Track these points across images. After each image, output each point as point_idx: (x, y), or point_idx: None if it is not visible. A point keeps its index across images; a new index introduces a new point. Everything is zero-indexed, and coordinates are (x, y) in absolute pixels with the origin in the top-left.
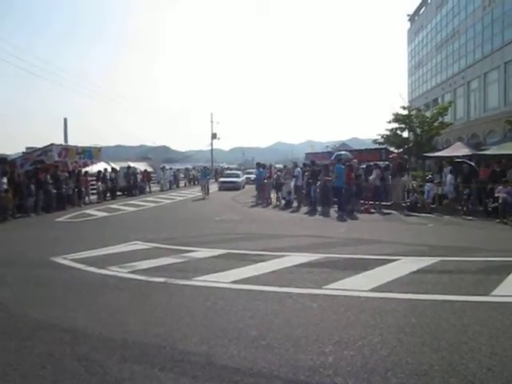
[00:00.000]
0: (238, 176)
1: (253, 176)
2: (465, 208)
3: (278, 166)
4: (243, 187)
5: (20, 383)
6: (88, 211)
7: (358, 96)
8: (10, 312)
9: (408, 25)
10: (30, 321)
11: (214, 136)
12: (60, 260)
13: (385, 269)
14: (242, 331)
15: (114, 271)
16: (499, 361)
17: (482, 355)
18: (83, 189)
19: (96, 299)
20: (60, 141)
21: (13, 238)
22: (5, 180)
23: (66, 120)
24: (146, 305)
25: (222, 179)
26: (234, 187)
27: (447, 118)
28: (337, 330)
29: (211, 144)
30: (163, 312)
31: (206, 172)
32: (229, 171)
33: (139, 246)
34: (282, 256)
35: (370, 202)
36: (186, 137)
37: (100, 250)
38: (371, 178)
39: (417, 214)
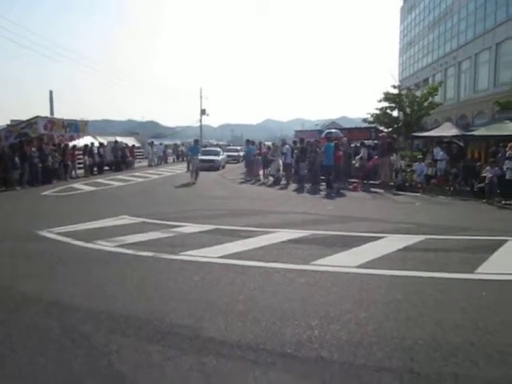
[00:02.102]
0: (217, 154)
1: (235, 154)
2: (452, 188)
3: (267, 143)
4: (223, 167)
5: (8, 353)
6: (75, 185)
7: (348, 74)
8: None
9: (401, 2)
10: (16, 294)
11: (203, 112)
12: (46, 233)
13: (372, 246)
14: (229, 305)
15: (101, 245)
16: (482, 336)
17: (466, 330)
18: (70, 163)
19: (83, 273)
20: (46, 114)
21: None
22: None
23: (51, 92)
24: (134, 279)
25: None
26: (212, 167)
27: (437, 98)
28: (323, 305)
29: (200, 120)
30: (151, 286)
31: (196, 148)
32: (207, 148)
33: (127, 220)
34: (270, 232)
35: (358, 181)
36: (175, 112)
37: (87, 224)
38: (357, 157)
39: (405, 193)
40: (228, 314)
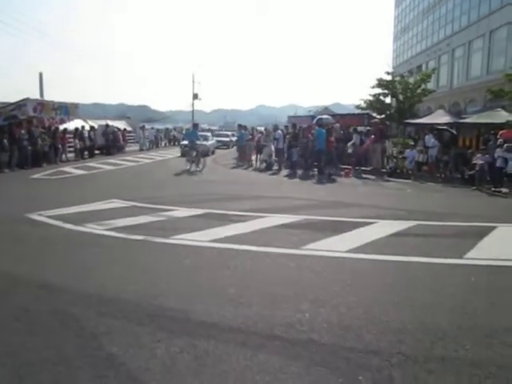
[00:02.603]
0: (205, 138)
1: (225, 139)
2: (443, 175)
3: (259, 128)
4: (212, 153)
5: None
6: (65, 169)
7: (341, 61)
8: None
9: None
10: (4, 276)
11: (195, 96)
12: (35, 216)
13: (362, 231)
14: (220, 289)
15: (91, 228)
16: (469, 319)
17: (454, 314)
18: (60, 146)
19: (73, 256)
20: (36, 96)
21: None
22: None
23: (41, 74)
24: (124, 262)
25: (184, 142)
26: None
27: (430, 86)
28: (313, 289)
29: (192, 105)
30: (141, 269)
31: (194, 132)
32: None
33: (117, 204)
34: (262, 217)
35: (350, 167)
36: (167, 97)
37: (77, 207)
38: (349, 143)
39: (396, 180)
40: (218, 298)
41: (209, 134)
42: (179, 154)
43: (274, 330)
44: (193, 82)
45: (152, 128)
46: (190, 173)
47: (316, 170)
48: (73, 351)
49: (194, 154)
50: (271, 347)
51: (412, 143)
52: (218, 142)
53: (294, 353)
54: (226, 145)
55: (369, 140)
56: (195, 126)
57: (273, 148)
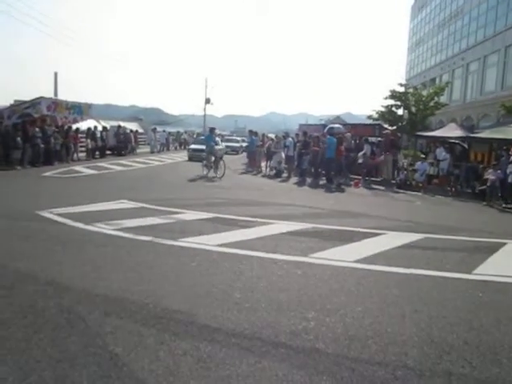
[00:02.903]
0: (215, 143)
1: (235, 144)
2: (453, 189)
3: (270, 135)
4: (221, 158)
5: (2, 330)
6: (76, 168)
7: (354, 71)
8: None
9: (412, 0)
10: (12, 272)
11: (207, 101)
12: (45, 214)
13: (370, 242)
14: (225, 293)
15: (99, 228)
16: (476, 335)
17: (460, 329)
18: (72, 145)
19: (80, 254)
20: (50, 95)
21: None
22: None
23: (56, 74)
24: (131, 262)
25: (193, 146)
26: None
27: (443, 99)
28: (320, 297)
29: (204, 109)
30: (148, 270)
31: (211, 137)
32: (202, 137)
33: (126, 204)
34: (270, 223)
35: (359, 177)
36: (179, 100)
37: (86, 206)
38: (360, 153)
39: (405, 192)
40: (224, 302)
41: (218, 138)
42: (187, 158)
43: (279, 336)
44: (205, 86)
45: (163, 131)
46: (207, 179)
47: (325, 178)
48: (77, 349)
49: (213, 159)
50: (275, 354)
51: (423, 156)
52: (227, 147)
53: (298, 361)
54: (235, 150)
55: (380, 152)
56: (212, 130)
57: (283, 155)
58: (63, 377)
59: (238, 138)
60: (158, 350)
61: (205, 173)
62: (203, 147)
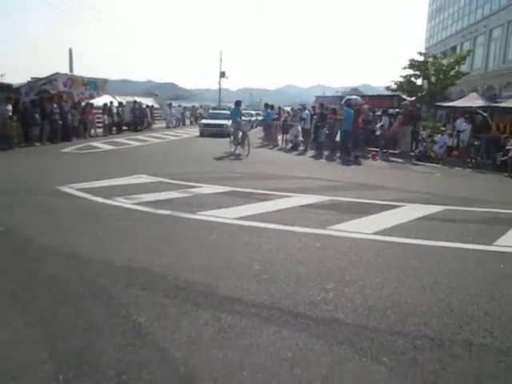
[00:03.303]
0: (227, 118)
1: (248, 119)
2: (473, 160)
3: (286, 108)
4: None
5: (29, 301)
6: (93, 144)
7: (372, 41)
8: (18, 236)
9: None
10: (36, 245)
11: (222, 74)
12: (66, 189)
13: (389, 214)
14: (244, 265)
15: (119, 202)
16: (497, 306)
17: (481, 300)
18: (89, 120)
19: (101, 228)
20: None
21: (18, 166)
22: (10, 107)
23: (71, 50)
24: (151, 235)
25: (204, 121)
26: (221, 132)
27: (464, 68)
28: (338, 269)
29: (219, 83)
30: (168, 243)
31: (236, 110)
32: (214, 111)
33: (144, 179)
34: (287, 196)
35: (377, 149)
36: (194, 75)
37: (105, 181)
38: (378, 125)
39: (424, 164)
40: (243, 274)
41: (228, 112)
42: (198, 134)
43: (298, 307)
44: (220, 59)
45: (179, 106)
46: (236, 156)
47: (342, 151)
48: (102, 319)
49: (240, 134)
50: (295, 324)
51: (443, 128)
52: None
53: (318, 331)
54: (248, 125)
55: (398, 121)
56: (238, 103)
57: (299, 128)
58: (89, 345)
59: (252, 112)
60: (180, 320)
61: (232, 149)
62: (215, 122)
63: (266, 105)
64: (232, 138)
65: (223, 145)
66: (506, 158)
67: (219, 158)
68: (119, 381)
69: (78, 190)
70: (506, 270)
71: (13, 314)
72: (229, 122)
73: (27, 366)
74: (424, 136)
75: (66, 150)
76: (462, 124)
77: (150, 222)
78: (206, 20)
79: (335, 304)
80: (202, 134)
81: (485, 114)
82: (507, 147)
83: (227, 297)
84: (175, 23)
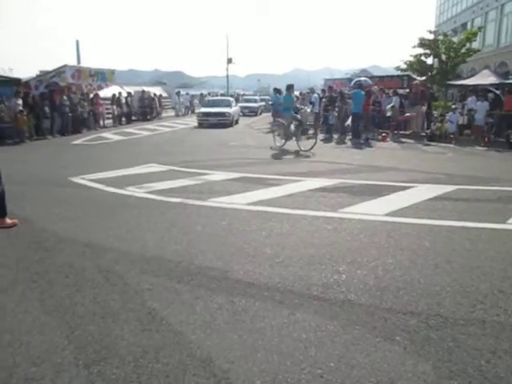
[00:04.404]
0: (228, 104)
1: (252, 105)
2: (486, 139)
3: (295, 92)
4: (236, 122)
5: (47, 289)
6: (103, 135)
7: (380, 21)
8: (33, 226)
9: None
10: (51, 235)
11: (229, 61)
12: (78, 180)
13: (400, 195)
14: (257, 249)
15: (131, 191)
16: (511, 284)
17: (494, 278)
18: (99, 111)
19: (115, 217)
20: (73, 63)
21: (31, 159)
22: (20, 101)
23: (78, 42)
24: (164, 223)
25: (202, 109)
26: (223, 122)
27: (475, 45)
28: (350, 251)
29: (227, 69)
30: (180, 230)
31: (288, 97)
32: (214, 97)
33: (155, 168)
34: (298, 181)
35: (387, 131)
36: (202, 63)
37: (117, 171)
38: (388, 106)
39: (436, 144)
40: (256, 258)
41: (231, 98)
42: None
43: (311, 289)
44: (227, 45)
45: (187, 94)
46: (296, 154)
47: (352, 133)
48: (118, 306)
49: (293, 126)
50: (308, 306)
51: (454, 106)
52: (244, 108)
53: (331, 312)
54: (253, 111)
55: (409, 104)
56: (290, 87)
57: (308, 111)
58: (107, 331)
59: (256, 97)
60: (194, 305)
61: (278, 144)
62: (216, 110)
63: (276, 89)
64: (281, 131)
65: (232, 132)
66: None
67: (228, 145)
68: (137, 364)
69: (91, 180)
70: None
71: (32, 302)
72: (231, 110)
73: (47, 352)
74: (436, 115)
75: (76, 141)
76: (473, 102)
77: (162, 210)
78: (211, 6)
79: (348, 285)
80: (200, 125)
81: (497, 92)
82: None
83: (240, 281)
84: (181, 11)
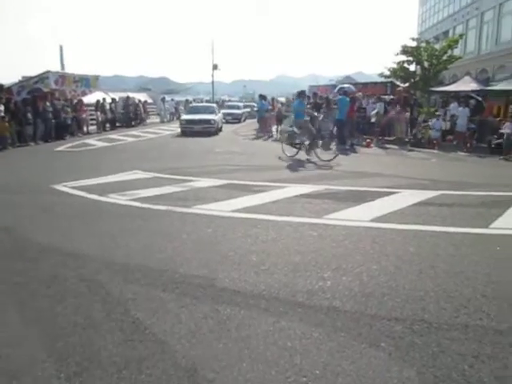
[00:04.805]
0: (212, 111)
1: (236, 111)
2: (468, 144)
3: (280, 99)
4: (220, 129)
5: (29, 300)
6: (87, 141)
7: (364, 29)
8: (14, 236)
9: None
10: (33, 244)
11: (214, 67)
12: (61, 187)
13: (385, 200)
14: (242, 257)
15: (114, 199)
16: (494, 288)
17: (478, 283)
18: (82, 118)
19: (98, 225)
20: (57, 69)
21: (12, 166)
22: (1, 107)
23: (61, 47)
24: (148, 231)
25: (185, 117)
26: (208, 130)
27: (456, 52)
28: (335, 258)
29: (212, 75)
30: (165, 238)
31: (301, 104)
32: (197, 103)
33: (140, 175)
34: (283, 187)
35: (372, 137)
36: (187, 69)
37: (100, 178)
38: (373, 112)
39: (420, 150)
40: (241, 265)
41: (214, 105)
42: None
43: (296, 296)
44: (212, 50)
45: (172, 100)
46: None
47: (338, 140)
48: (101, 316)
49: (306, 136)
50: (293, 314)
51: (438, 113)
52: (227, 115)
53: (316, 319)
54: (236, 118)
55: (393, 108)
56: (301, 94)
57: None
58: (89, 342)
59: (239, 104)
60: (179, 314)
61: (288, 154)
62: (200, 117)
63: (261, 96)
64: (294, 140)
65: (218, 139)
66: (500, 140)
67: (214, 152)
68: (120, 376)
69: (73, 187)
70: (503, 253)
71: (12, 314)
72: (216, 117)
73: (28, 364)
74: (419, 121)
75: (60, 148)
76: (455, 108)
77: (146, 217)
78: (196, 12)
79: (333, 292)
80: (184, 133)
81: (479, 98)
82: (501, 130)
83: (225, 289)
84: (166, 17)
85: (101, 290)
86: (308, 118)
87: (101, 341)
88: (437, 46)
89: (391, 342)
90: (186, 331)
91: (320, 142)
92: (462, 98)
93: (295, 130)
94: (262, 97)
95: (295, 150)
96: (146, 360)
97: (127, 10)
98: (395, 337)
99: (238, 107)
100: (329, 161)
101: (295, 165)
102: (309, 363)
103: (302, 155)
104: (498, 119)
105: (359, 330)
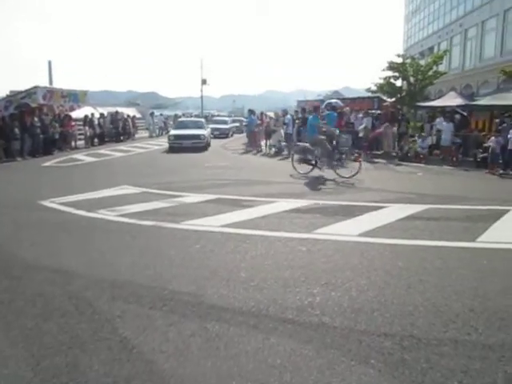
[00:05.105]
0: (201, 126)
1: (223, 126)
2: (454, 158)
3: (269, 113)
4: (209, 144)
5: (13, 319)
6: (76, 156)
7: (351, 45)
8: (0, 253)
9: None
10: (20, 262)
11: (203, 82)
12: (48, 204)
13: (373, 215)
14: (231, 273)
15: (103, 214)
16: (481, 302)
17: (466, 297)
18: (69, 133)
19: (86, 241)
20: (45, 84)
21: None
22: None
23: (50, 62)
24: (136, 247)
25: (173, 132)
26: (197, 145)
27: (441, 68)
28: (325, 273)
29: (201, 90)
30: (153, 254)
31: (315, 118)
32: (186, 118)
33: (128, 190)
34: (272, 202)
35: (359, 151)
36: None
37: (88, 194)
38: (360, 127)
39: (407, 164)
40: (230, 282)
41: (203, 120)
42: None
43: (286, 313)
44: (201, 66)
45: (161, 114)
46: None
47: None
48: (87, 335)
49: (321, 152)
50: (283, 330)
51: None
52: (214, 130)
53: (305, 336)
54: (223, 133)
55: (380, 124)
56: (316, 109)
57: (282, 133)
58: (75, 362)
59: (227, 119)
60: (166, 332)
61: (301, 172)
62: (189, 132)
63: (250, 111)
64: (306, 156)
65: (207, 153)
66: (485, 154)
67: (203, 166)
68: None
69: (61, 203)
70: (490, 266)
71: None
72: (205, 132)
73: None
74: (406, 136)
75: (47, 163)
76: (442, 123)
77: (134, 233)
78: (185, 28)
79: (322, 308)
80: (172, 149)
81: (465, 113)
82: (486, 144)
83: (214, 305)
84: (155, 32)
85: (88, 308)
86: (323, 137)
87: (87, 360)
88: (422, 62)
89: (381, 359)
90: (174, 349)
91: (337, 157)
92: (447, 113)
93: (308, 146)
94: (251, 111)
95: (309, 166)
96: (133, 379)
97: (116, 25)
98: (385, 353)
99: (225, 122)
100: (349, 177)
101: (284, 179)
102: (299, 381)
103: (316, 172)
104: (483, 133)
105: (349, 346)
